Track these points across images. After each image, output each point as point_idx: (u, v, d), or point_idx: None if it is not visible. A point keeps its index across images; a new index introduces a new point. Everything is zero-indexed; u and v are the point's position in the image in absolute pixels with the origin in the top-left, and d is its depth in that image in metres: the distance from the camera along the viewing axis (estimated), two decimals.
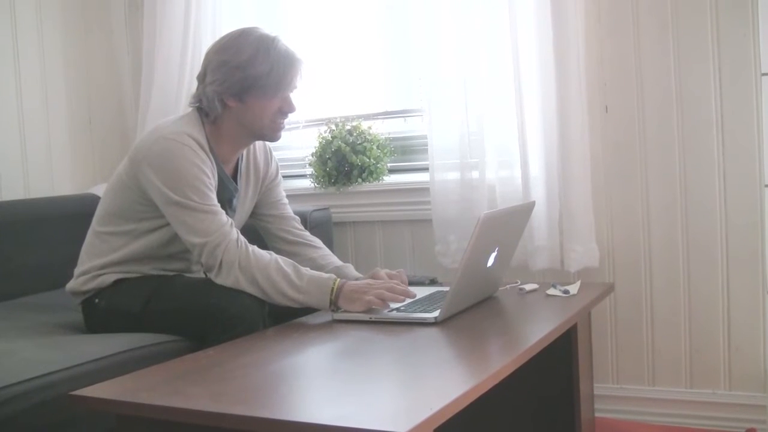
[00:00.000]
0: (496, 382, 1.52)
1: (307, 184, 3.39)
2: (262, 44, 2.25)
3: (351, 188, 3.27)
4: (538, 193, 2.82)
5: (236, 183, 2.43)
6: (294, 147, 3.52)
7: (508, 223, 2.25)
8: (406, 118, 3.36)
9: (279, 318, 2.17)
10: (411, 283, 2.32)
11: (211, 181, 2.22)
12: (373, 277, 2.29)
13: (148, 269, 2.35)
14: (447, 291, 2.08)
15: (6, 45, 3.26)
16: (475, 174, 2.94)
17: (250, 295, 2.13)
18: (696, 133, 2.73)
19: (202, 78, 2.32)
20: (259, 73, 2.23)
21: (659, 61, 2.77)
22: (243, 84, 2.25)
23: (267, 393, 1.52)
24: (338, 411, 1.37)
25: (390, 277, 2.29)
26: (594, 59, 2.83)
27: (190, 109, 2.38)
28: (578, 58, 2.76)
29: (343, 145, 3.23)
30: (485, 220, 1.95)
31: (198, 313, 2.15)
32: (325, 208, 3.18)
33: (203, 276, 2.29)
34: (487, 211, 2.05)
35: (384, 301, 2.09)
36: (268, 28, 2.32)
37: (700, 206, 2.75)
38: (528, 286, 2.41)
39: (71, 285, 2.38)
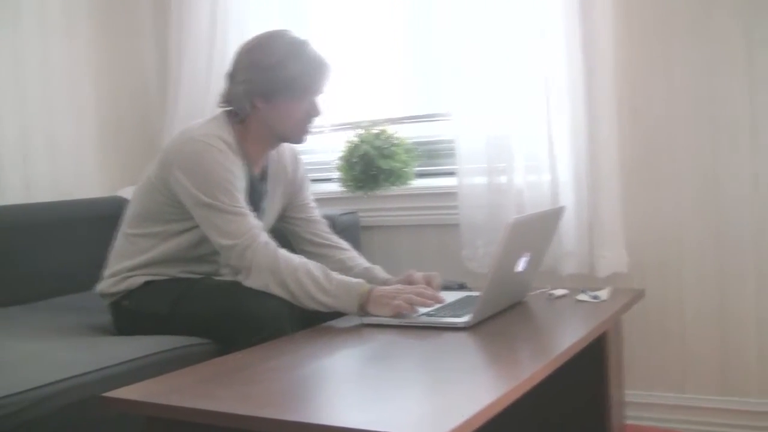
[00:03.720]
0: (528, 388, 1.51)
1: (334, 187, 3.39)
2: (293, 47, 2.26)
3: (378, 192, 3.27)
4: (567, 198, 2.80)
5: (265, 185, 2.43)
6: (321, 151, 3.52)
7: (538, 228, 2.24)
8: (434, 122, 3.35)
9: (307, 322, 2.16)
10: (441, 288, 2.32)
11: (241, 184, 2.23)
12: (407, 280, 2.29)
13: (177, 271, 2.35)
14: (476, 296, 2.06)
15: (35, 49, 3.28)
16: (503, 178, 2.93)
17: (278, 299, 2.12)
18: (727, 136, 2.71)
19: (231, 77, 2.33)
20: (289, 76, 2.24)
21: (689, 62, 2.74)
22: (272, 85, 2.25)
23: (296, 396, 1.51)
24: (368, 416, 1.37)
25: (425, 279, 2.28)
26: (623, 61, 2.81)
27: (218, 111, 2.39)
28: (607, 61, 2.74)
29: (371, 149, 3.23)
30: (515, 225, 1.93)
31: (226, 315, 2.15)
32: (352, 212, 3.17)
33: (231, 279, 2.29)
34: (516, 216, 2.04)
35: (413, 306, 2.07)
36: (298, 32, 2.33)
37: (731, 210, 2.72)
38: (557, 292, 2.39)
39: (100, 287, 2.39)
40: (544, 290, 2.44)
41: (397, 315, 2.06)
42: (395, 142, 3.27)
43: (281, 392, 1.53)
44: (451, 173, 3.13)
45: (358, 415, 1.39)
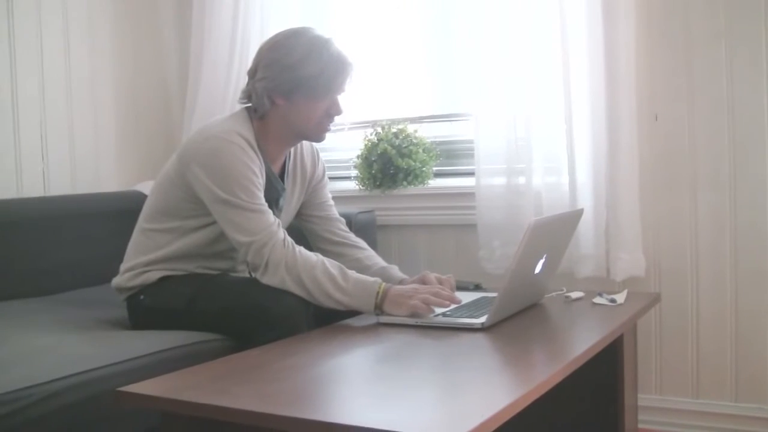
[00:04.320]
0: (545, 390, 1.51)
1: (352, 186, 3.39)
2: (315, 45, 2.25)
3: (396, 191, 3.27)
4: (585, 201, 2.79)
5: (283, 183, 2.43)
6: (340, 149, 3.52)
7: (557, 230, 2.23)
8: (453, 122, 3.35)
9: (322, 320, 2.17)
10: (457, 289, 2.31)
11: (260, 180, 2.22)
12: (421, 280, 2.29)
13: (194, 267, 2.35)
14: (493, 297, 2.06)
15: (57, 43, 3.30)
16: (521, 180, 2.93)
17: (294, 296, 2.12)
18: (747, 143, 2.69)
19: (252, 73, 2.32)
20: (310, 74, 2.23)
21: (710, 69, 2.73)
22: (293, 83, 2.25)
23: (313, 395, 1.51)
24: (386, 416, 1.36)
25: (439, 281, 2.28)
26: (644, 66, 2.80)
27: (238, 108, 2.39)
28: (628, 64, 2.73)
29: (389, 147, 3.23)
30: (535, 227, 1.92)
31: (242, 312, 2.15)
32: (369, 211, 3.17)
33: (248, 275, 2.29)
34: (536, 218, 2.04)
35: (429, 306, 2.07)
36: (321, 30, 2.32)
37: (749, 217, 2.71)
38: (574, 294, 2.39)
39: (116, 281, 2.40)
40: (560, 292, 2.44)
41: (414, 315, 2.05)
42: (414, 141, 3.27)
43: (298, 390, 1.53)
44: (469, 173, 3.13)
45: (375, 414, 1.39)
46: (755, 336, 2.72)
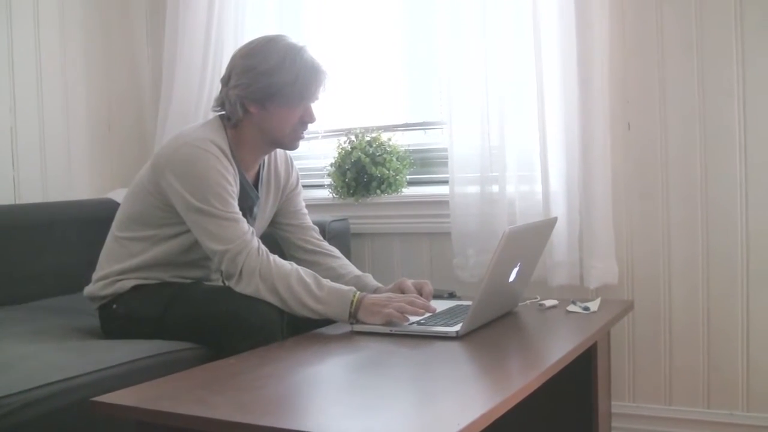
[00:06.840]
0: (520, 398, 1.51)
1: (325, 194, 3.38)
2: (289, 53, 2.25)
3: (370, 199, 3.26)
4: (559, 209, 2.80)
5: (257, 191, 2.42)
6: (313, 157, 3.52)
7: (531, 239, 2.24)
8: (427, 131, 3.36)
9: (296, 329, 2.16)
10: (432, 296, 2.32)
11: (234, 189, 2.22)
12: (398, 287, 2.29)
13: (167, 276, 2.34)
14: (467, 305, 2.06)
15: (28, 49, 3.27)
16: (495, 188, 2.93)
17: (269, 304, 2.12)
18: (718, 152, 2.71)
19: (226, 81, 2.31)
20: (284, 82, 2.23)
21: (683, 78, 2.75)
22: (266, 91, 2.24)
23: (290, 405, 1.51)
24: (364, 425, 1.37)
25: (417, 287, 2.28)
26: (617, 76, 2.82)
27: (212, 115, 2.38)
28: (602, 74, 2.74)
29: (363, 156, 3.22)
30: (510, 235, 1.93)
31: (216, 321, 2.14)
32: (343, 219, 3.17)
33: (222, 284, 2.28)
34: (511, 226, 2.05)
35: (404, 315, 2.07)
36: (295, 37, 2.32)
37: (721, 225, 2.73)
38: (548, 302, 2.40)
39: (89, 289, 2.38)
40: (534, 300, 2.44)
41: (388, 323, 2.05)
42: (388, 149, 3.26)
43: (275, 400, 1.52)
44: (443, 182, 3.13)
45: (352, 423, 1.39)
46: (727, 343, 2.74)
